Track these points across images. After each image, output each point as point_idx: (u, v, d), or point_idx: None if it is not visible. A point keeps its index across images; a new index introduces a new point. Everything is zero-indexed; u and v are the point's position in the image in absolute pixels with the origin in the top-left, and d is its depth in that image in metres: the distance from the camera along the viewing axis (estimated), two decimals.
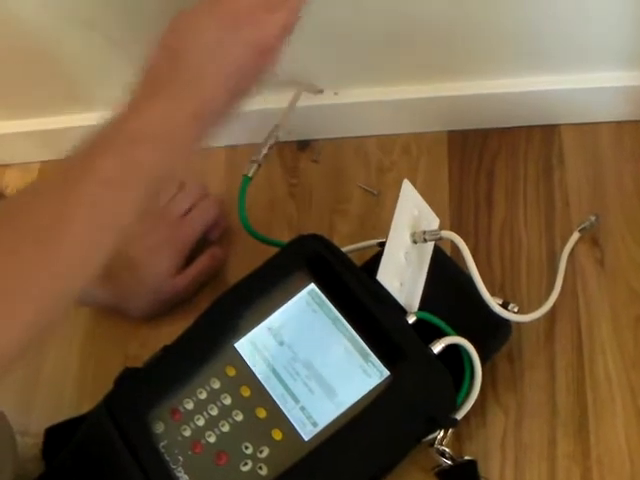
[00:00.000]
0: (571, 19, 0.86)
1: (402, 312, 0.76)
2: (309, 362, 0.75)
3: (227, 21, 0.66)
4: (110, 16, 0.87)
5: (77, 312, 0.95)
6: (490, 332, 0.79)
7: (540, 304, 0.82)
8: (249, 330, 0.78)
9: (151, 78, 0.65)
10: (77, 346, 0.94)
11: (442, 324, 0.76)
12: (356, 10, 0.87)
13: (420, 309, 0.77)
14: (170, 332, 0.82)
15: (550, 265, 0.88)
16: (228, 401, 0.75)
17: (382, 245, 0.77)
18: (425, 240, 0.78)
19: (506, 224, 0.92)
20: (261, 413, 0.74)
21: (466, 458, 0.77)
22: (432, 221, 0.82)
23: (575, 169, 0.94)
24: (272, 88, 0.95)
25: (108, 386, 0.79)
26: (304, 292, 0.78)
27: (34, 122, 1.03)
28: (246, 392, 0.75)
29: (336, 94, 0.97)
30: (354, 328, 0.75)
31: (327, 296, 0.77)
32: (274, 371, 0.76)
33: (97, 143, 0.61)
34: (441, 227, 0.82)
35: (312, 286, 0.78)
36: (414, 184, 0.79)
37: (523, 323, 0.82)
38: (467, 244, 0.76)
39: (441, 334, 0.75)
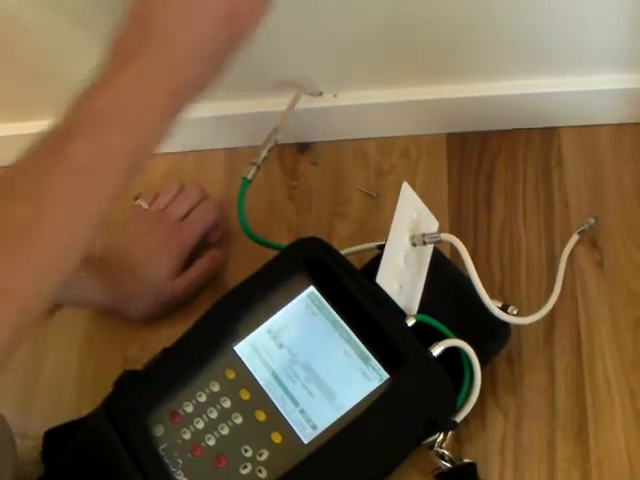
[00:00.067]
0: (570, 22, 0.86)
1: (401, 315, 0.76)
2: (308, 365, 0.75)
3: None
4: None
5: (77, 314, 0.95)
6: (489, 335, 0.79)
7: (539, 306, 0.82)
8: (249, 333, 0.78)
9: (120, 50, 0.62)
10: (77, 348, 0.94)
11: (441, 327, 0.76)
12: (355, 13, 0.87)
13: (419, 312, 0.77)
14: (170, 334, 0.82)
15: (549, 267, 0.88)
16: (228, 404, 0.75)
17: (381, 248, 0.77)
18: (424, 243, 0.78)
19: (505, 226, 0.92)
20: (261, 416, 0.74)
21: (465, 461, 0.77)
22: (431, 224, 0.82)
23: (574, 171, 0.94)
24: (271, 90, 0.96)
25: (108, 388, 0.79)
26: (304, 295, 0.78)
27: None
28: (246, 395, 0.75)
29: (335, 96, 0.97)
30: (353, 331, 0.75)
31: (326, 299, 0.77)
32: (274, 374, 0.76)
33: (65, 126, 0.59)
34: (440, 230, 0.82)
35: (311, 289, 0.78)
36: (413, 187, 0.79)
37: (522, 325, 0.82)
38: (466, 246, 0.76)
39: (440, 337, 0.75)
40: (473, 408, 0.76)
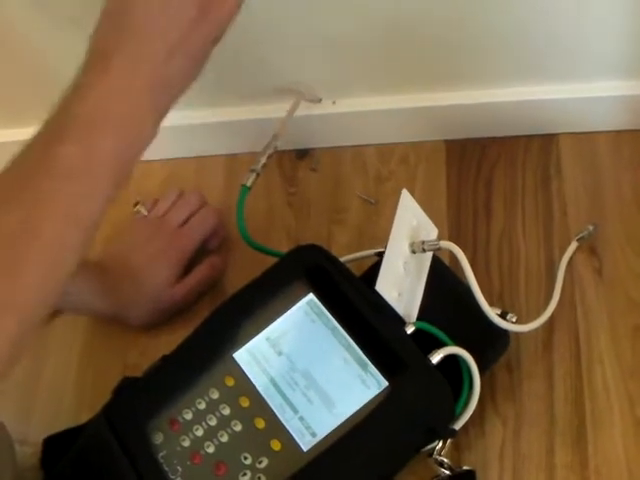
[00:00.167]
0: (569, 30, 0.86)
1: (401, 322, 0.76)
2: (308, 372, 0.75)
3: None
4: None
5: (76, 321, 0.95)
6: (489, 342, 0.79)
7: (538, 314, 0.82)
8: (248, 340, 0.78)
9: (99, 51, 0.62)
10: (76, 355, 0.94)
11: (441, 334, 0.76)
12: (354, 20, 0.87)
13: (419, 319, 0.77)
14: (169, 341, 0.82)
15: (548, 275, 0.88)
16: (227, 411, 0.75)
17: (381, 255, 0.77)
18: (424, 250, 0.78)
19: (504, 234, 0.92)
20: (260, 423, 0.74)
21: (465, 468, 0.77)
22: (431, 231, 0.82)
23: (573, 178, 0.94)
24: (271, 97, 0.96)
25: (107, 395, 0.79)
26: (303, 302, 0.78)
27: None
28: (245, 402, 0.75)
29: (334, 103, 0.97)
30: (353, 338, 0.75)
31: (326, 306, 0.77)
32: (273, 381, 0.76)
33: (52, 130, 0.59)
34: (439, 237, 0.82)
35: (311, 296, 0.78)
36: (412, 193, 0.79)
37: (521, 333, 0.82)
38: (465, 254, 0.76)
39: (440, 344, 0.75)
40: (472, 415, 0.76)
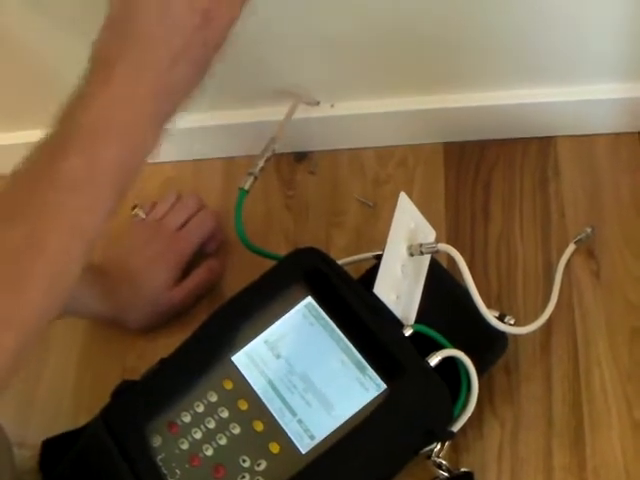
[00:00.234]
0: (568, 32, 0.86)
1: (399, 325, 0.76)
2: (306, 375, 0.75)
3: None
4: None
5: (74, 324, 0.95)
6: (487, 344, 0.80)
7: (536, 316, 0.82)
8: (246, 343, 0.78)
9: (102, 59, 0.61)
10: (74, 358, 0.94)
11: (439, 337, 0.76)
12: (353, 23, 0.87)
13: (417, 322, 0.77)
14: (167, 344, 0.82)
15: (546, 277, 0.88)
16: (225, 414, 0.75)
17: (378, 258, 0.77)
18: (422, 253, 0.78)
19: (502, 236, 0.92)
20: (258, 426, 0.74)
21: (463, 470, 0.78)
22: (429, 234, 0.82)
23: (571, 181, 0.94)
24: (269, 100, 0.96)
25: (105, 398, 0.79)
26: (301, 305, 0.78)
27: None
28: (243, 405, 0.75)
29: (332, 106, 0.97)
30: (351, 341, 0.75)
31: (324, 309, 0.77)
32: (271, 384, 0.76)
33: (56, 141, 0.58)
34: (437, 239, 0.82)
35: (309, 299, 0.78)
36: (410, 196, 0.80)
37: (519, 335, 0.82)
38: (463, 256, 0.76)
39: (438, 347, 0.75)
40: (470, 417, 0.77)
